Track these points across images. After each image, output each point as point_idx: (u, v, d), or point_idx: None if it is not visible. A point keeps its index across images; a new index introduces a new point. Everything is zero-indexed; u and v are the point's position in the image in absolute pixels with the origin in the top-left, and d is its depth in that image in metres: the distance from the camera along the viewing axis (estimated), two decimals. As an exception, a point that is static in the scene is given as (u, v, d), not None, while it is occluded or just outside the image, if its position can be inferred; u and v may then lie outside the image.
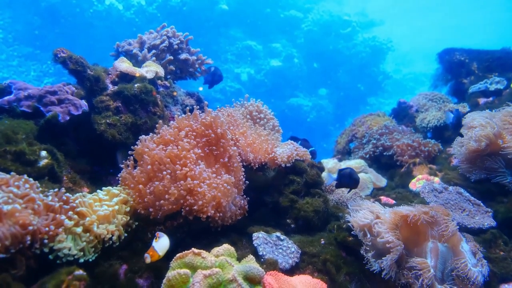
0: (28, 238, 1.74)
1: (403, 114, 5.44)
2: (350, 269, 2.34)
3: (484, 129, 3.02)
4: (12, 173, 1.95)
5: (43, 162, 2.37)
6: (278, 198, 2.88)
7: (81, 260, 1.91)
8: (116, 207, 2.21)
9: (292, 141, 3.20)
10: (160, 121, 2.79)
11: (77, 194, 2.22)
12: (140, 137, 2.57)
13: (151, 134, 2.64)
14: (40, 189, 2.00)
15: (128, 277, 2.03)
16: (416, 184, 3.55)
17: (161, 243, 1.97)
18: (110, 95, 3.01)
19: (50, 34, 15.53)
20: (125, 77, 3.19)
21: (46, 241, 1.83)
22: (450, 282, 2.10)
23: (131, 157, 2.54)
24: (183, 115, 2.76)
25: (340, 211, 3.01)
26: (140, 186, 2.31)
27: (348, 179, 2.82)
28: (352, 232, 2.42)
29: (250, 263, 1.92)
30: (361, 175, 3.97)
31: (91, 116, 2.90)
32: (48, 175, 2.37)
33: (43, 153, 2.42)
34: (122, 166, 2.53)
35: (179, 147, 2.43)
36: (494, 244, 2.59)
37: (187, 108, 2.90)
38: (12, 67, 15.05)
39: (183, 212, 2.31)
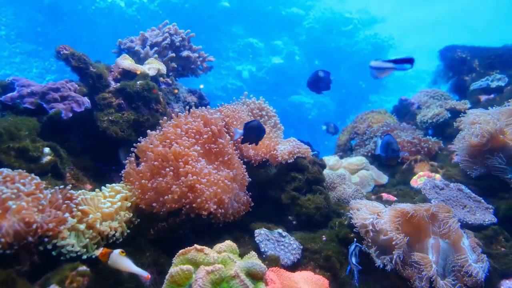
0: (32, 235, 1.75)
1: (404, 111, 5.43)
2: (352, 265, 2.35)
3: (486, 124, 3.03)
4: (20, 170, 1.97)
5: (46, 159, 2.38)
6: (280, 195, 2.89)
7: (84, 257, 1.93)
8: (119, 203, 2.22)
9: (294, 138, 3.21)
10: (165, 117, 2.80)
11: (80, 191, 2.24)
12: (149, 132, 2.59)
13: (157, 130, 2.66)
14: (44, 186, 2.02)
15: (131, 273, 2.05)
16: (418, 181, 3.56)
17: (120, 260, 1.81)
18: (113, 92, 3.02)
19: (53, 31, 15.54)
20: (127, 74, 3.20)
21: (48, 238, 1.84)
22: (452, 278, 2.11)
23: (133, 153, 2.55)
24: (179, 113, 2.77)
25: (341, 208, 3.02)
26: (143, 181, 2.32)
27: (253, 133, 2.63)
28: (354, 230, 2.44)
29: (252, 259, 1.93)
30: (362, 172, 3.98)
31: (93, 113, 2.92)
32: (51, 171, 2.39)
33: (46, 149, 2.43)
34: (125, 162, 2.55)
35: (179, 146, 2.44)
36: (495, 240, 2.60)
37: (187, 106, 2.91)
38: (15, 64, 15.07)
39: (184, 210, 2.32)
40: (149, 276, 1.85)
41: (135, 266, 1.83)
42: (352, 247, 2.17)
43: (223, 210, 2.36)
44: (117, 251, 1.82)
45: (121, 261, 1.82)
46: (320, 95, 3.22)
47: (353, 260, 2.10)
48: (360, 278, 2.17)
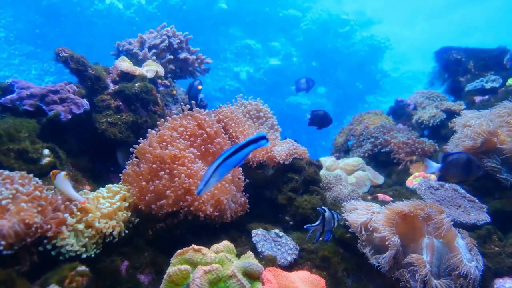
0: (32, 235, 1.77)
1: (400, 112, 5.46)
2: (348, 265, 2.37)
3: (480, 127, 3.06)
4: (22, 172, 2.00)
5: (45, 160, 2.41)
6: (277, 196, 2.91)
7: (84, 256, 1.95)
8: (118, 204, 2.24)
9: (290, 139, 3.24)
10: (162, 119, 2.82)
11: (81, 191, 2.26)
12: (149, 131, 2.61)
13: (155, 131, 2.68)
14: (43, 187, 2.04)
15: (129, 273, 2.07)
16: (413, 181, 3.59)
17: (62, 181, 2.00)
18: (111, 94, 3.04)
19: (51, 33, 15.54)
20: (125, 76, 3.22)
21: (47, 239, 1.86)
22: (446, 277, 2.13)
23: (133, 155, 2.57)
24: (175, 115, 2.79)
25: (337, 208, 3.04)
26: (143, 183, 2.34)
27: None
28: (349, 230, 2.46)
29: (249, 259, 1.95)
30: (359, 173, 4.01)
31: (92, 115, 2.94)
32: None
33: (46, 151, 2.46)
34: (124, 164, 2.57)
35: (173, 148, 2.46)
36: (488, 239, 2.63)
37: (185, 106, 2.93)
38: (14, 65, 15.06)
39: (182, 212, 2.34)
40: (85, 202, 2.03)
41: (72, 191, 2.02)
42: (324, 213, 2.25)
43: (220, 212, 2.39)
44: (62, 173, 1.99)
45: (62, 183, 2.00)
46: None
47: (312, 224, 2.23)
48: (354, 277, 2.20)
